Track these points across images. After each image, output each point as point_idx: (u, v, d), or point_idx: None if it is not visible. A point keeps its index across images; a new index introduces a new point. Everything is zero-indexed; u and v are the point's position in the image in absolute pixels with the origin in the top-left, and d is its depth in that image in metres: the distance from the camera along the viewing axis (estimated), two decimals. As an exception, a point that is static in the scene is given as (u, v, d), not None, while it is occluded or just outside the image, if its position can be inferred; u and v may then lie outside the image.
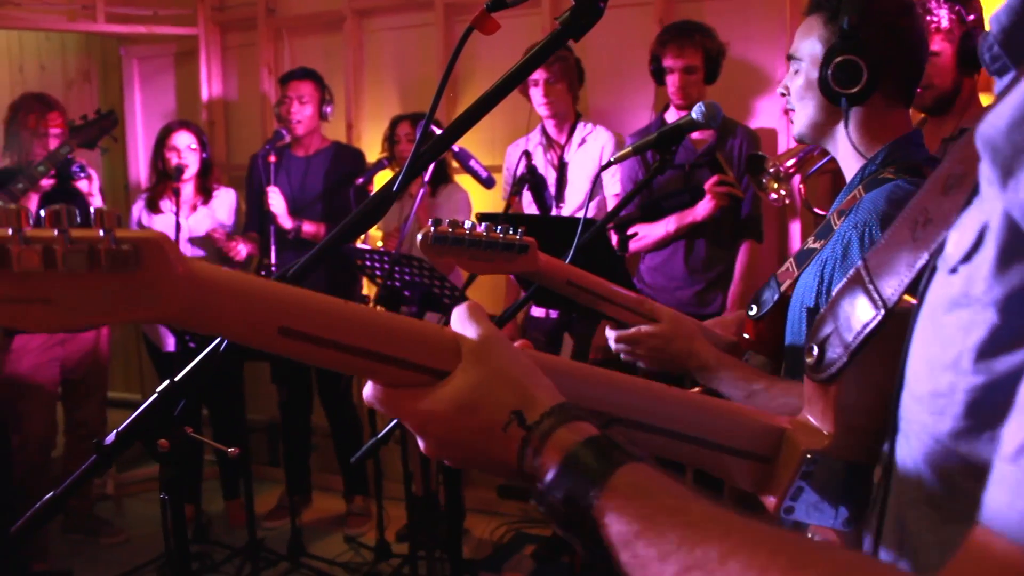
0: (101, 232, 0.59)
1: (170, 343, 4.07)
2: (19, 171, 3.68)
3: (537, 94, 3.61)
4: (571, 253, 1.80)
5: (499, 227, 1.55)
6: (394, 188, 1.03)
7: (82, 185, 3.83)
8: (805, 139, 1.64)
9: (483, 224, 1.54)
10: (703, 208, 3.32)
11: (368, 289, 4.02)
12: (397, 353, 0.69)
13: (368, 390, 0.72)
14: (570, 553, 3.80)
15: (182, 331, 3.42)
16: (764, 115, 3.90)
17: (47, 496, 1.21)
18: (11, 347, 3.98)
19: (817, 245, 1.54)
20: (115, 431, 1.14)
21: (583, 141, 3.74)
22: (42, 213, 0.60)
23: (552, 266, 1.65)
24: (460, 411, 0.68)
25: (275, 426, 4.43)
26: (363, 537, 4.20)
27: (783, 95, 1.63)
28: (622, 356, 1.70)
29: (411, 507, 3.76)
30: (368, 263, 3.33)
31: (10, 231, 0.58)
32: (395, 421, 2.24)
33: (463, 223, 1.53)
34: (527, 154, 3.13)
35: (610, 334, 1.70)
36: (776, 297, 1.57)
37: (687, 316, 1.70)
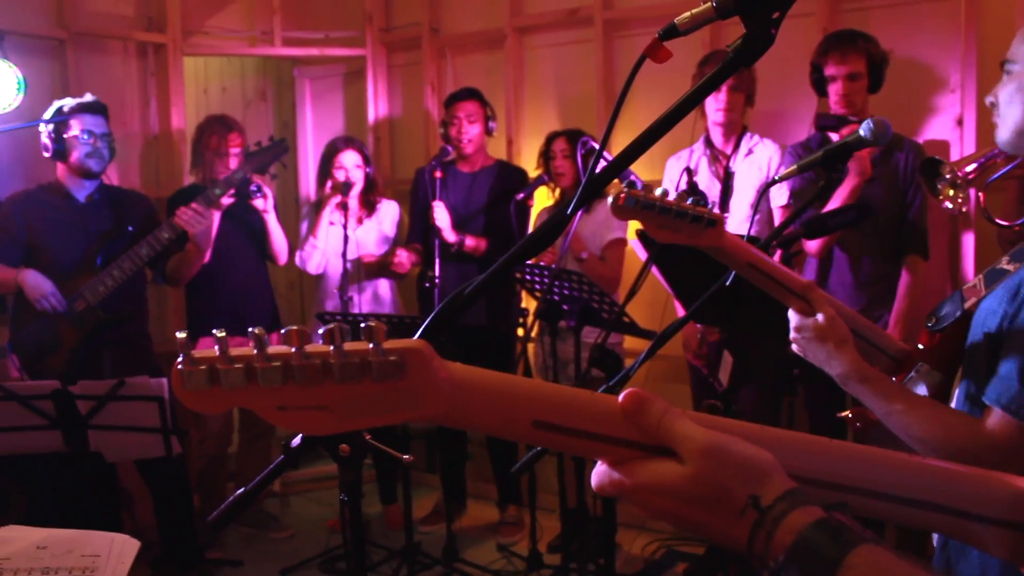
0: (371, 345, 0.66)
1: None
2: (201, 190, 3.93)
3: (718, 100, 3.56)
4: (733, 272, 1.79)
5: (690, 198, 1.56)
6: (568, 211, 1.05)
7: (258, 203, 4.07)
8: (1008, 147, 1.55)
9: (675, 194, 1.56)
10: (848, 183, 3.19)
11: (527, 302, 4.08)
12: (627, 435, 0.73)
13: (599, 471, 0.76)
14: (724, 573, 3.75)
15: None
16: (935, 126, 3.74)
17: (240, 491, 1.31)
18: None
19: (1011, 267, 1.47)
20: (300, 435, 1.22)
21: (749, 151, 3.68)
22: (320, 331, 0.67)
23: (736, 245, 1.64)
24: (697, 496, 0.72)
25: (433, 434, 4.55)
26: (515, 546, 4.26)
27: (992, 104, 1.56)
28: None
29: (564, 519, 3.80)
30: (528, 277, 3.39)
31: (293, 349, 0.66)
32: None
33: (654, 189, 1.55)
34: (688, 171, 3.12)
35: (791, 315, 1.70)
36: (958, 313, 1.52)
37: (847, 315, 1.68)
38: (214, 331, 0.66)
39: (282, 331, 0.66)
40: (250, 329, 0.66)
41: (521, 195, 3.95)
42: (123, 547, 1.62)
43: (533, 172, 4.22)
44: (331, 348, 0.66)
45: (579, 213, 3.28)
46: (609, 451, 0.73)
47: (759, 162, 3.66)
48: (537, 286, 3.43)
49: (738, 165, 3.68)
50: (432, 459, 4.97)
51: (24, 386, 3.05)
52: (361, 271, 4.31)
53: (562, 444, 0.73)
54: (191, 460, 4.27)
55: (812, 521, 0.69)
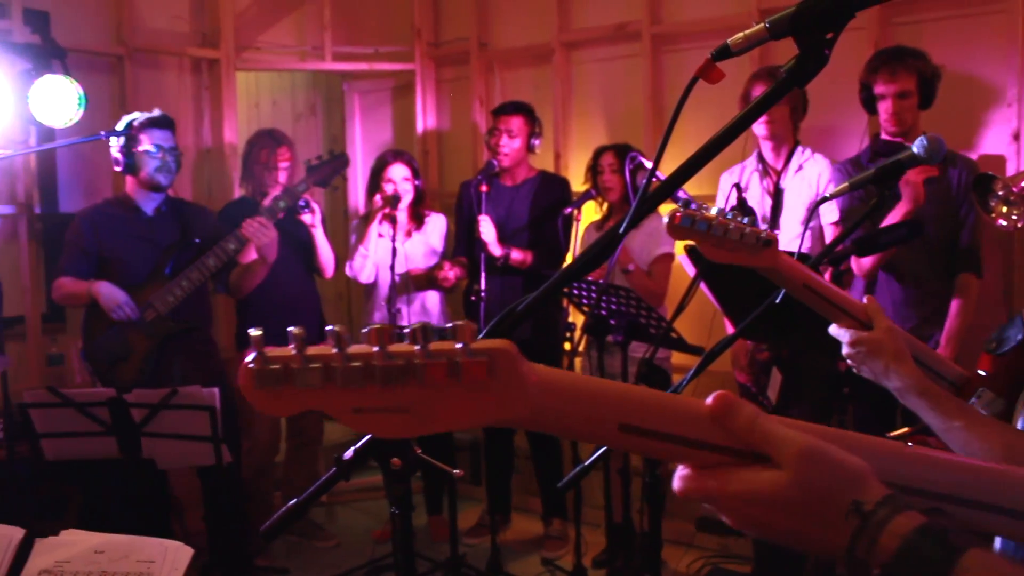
0: (458, 345, 0.63)
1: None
2: (254, 202, 3.99)
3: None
4: (781, 291, 1.78)
5: (745, 218, 1.56)
6: (621, 230, 1.06)
7: (306, 218, 4.12)
8: None
9: (730, 212, 1.55)
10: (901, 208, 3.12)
11: (573, 316, 4.09)
12: (714, 440, 0.72)
13: (684, 476, 0.74)
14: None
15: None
16: (990, 141, 3.69)
17: (292, 502, 1.33)
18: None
19: None
20: (353, 448, 1.24)
21: (800, 167, 3.65)
22: (406, 330, 0.64)
23: (791, 266, 1.62)
24: (794, 501, 0.71)
25: (478, 446, 4.57)
26: (560, 560, 4.25)
27: None
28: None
29: (610, 534, 3.79)
30: (576, 292, 3.39)
31: (375, 348, 0.63)
32: (602, 450, 2.28)
33: (709, 208, 1.54)
34: (738, 187, 3.11)
35: (836, 331, 1.68)
36: (1020, 337, 1.49)
37: (903, 335, 1.65)
38: (290, 329, 0.63)
39: (364, 330, 0.63)
40: (328, 328, 0.63)
41: (569, 209, 3.96)
42: (177, 554, 1.66)
43: (580, 186, 4.23)
44: (416, 348, 0.63)
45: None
46: (695, 455, 0.72)
47: (809, 178, 3.62)
48: (584, 301, 3.43)
49: (788, 181, 3.65)
50: (477, 472, 4.98)
51: (81, 393, 3.12)
52: (410, 284, 4.35)
53: (647, 448, 0.71)
54: (241, 468, 4.32)
55: (916, 526, 0.68)
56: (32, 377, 4.13)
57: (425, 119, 5.26)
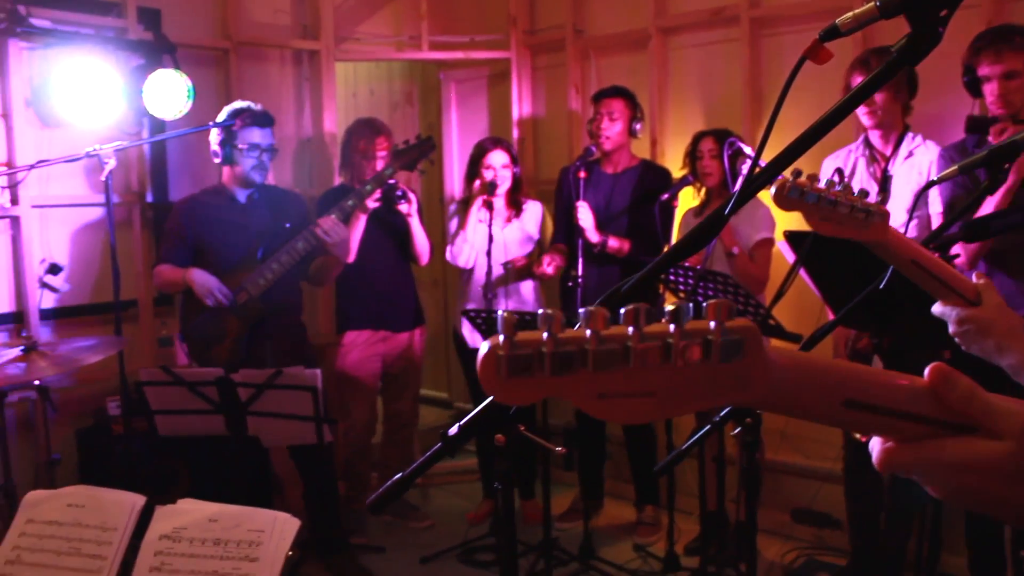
0: (712, 323, 0.61)
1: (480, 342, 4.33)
2: (350, 190, 4.10)
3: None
4: (887, 275, 1.75)
5: (856, 190, 1.53)
6: (726, 211, 1.07)
7: (402, 207, 4.20)
8: None
9: (840, 184, 1.52)
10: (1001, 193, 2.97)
11: (670, 303, 4.06)
12: (928, 412, 0.72)
13: (887, 449, 0.74)
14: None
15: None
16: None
17: (397, 476, 1.37)
18: (342, 342, 4.44)
19: None
20: (458, 424, 1.27)
21: (910, 154, 3.53)
22: (667, 308, 0.61)
23: (900, 241, 1.58)
24: (1016, 471, 0.72)
25: (571, 432, 4.59)
26: (652, 547, 4.25)
27: None
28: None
29: (704, 522, 3.77)
30: (672, 277, 3.37)
31: (631, 330, 0.60)
32: (698, 435, 2.28)
33: (819, 179, 1.52)
34: (840, 172, 3.04)
35: (941, 310, 1.63)
36: None
37: (1015, 315, 1.61)
38: (541, 311, 0.60)
39: (622, 311, 0.60)
40: (583, 309, 0.59)
41: (666, 195, 3.93)
42: (285, 525, 1.73)
43: (677, 173, 4.20)
44: (671, 328, 0.60)
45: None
46: (907, 428, 0.72)
47: (919, 165, 3.49)
48: (681, 287, 3.41)
49: (897, 168, 3.53)
50: (570, 457, 5.00)
51: (192, 373, 3.26)
52: (510, 275, 4.39)
53: (867, 423, 0.71)
54: (337, 449, 4.44)
55: None
56: (145, 358, 4.32)
57: (521, 107, 5.29)
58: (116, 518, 1.78)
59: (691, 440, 2.30)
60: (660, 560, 4.01)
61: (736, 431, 2.36)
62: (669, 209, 4.05)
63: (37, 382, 3.24)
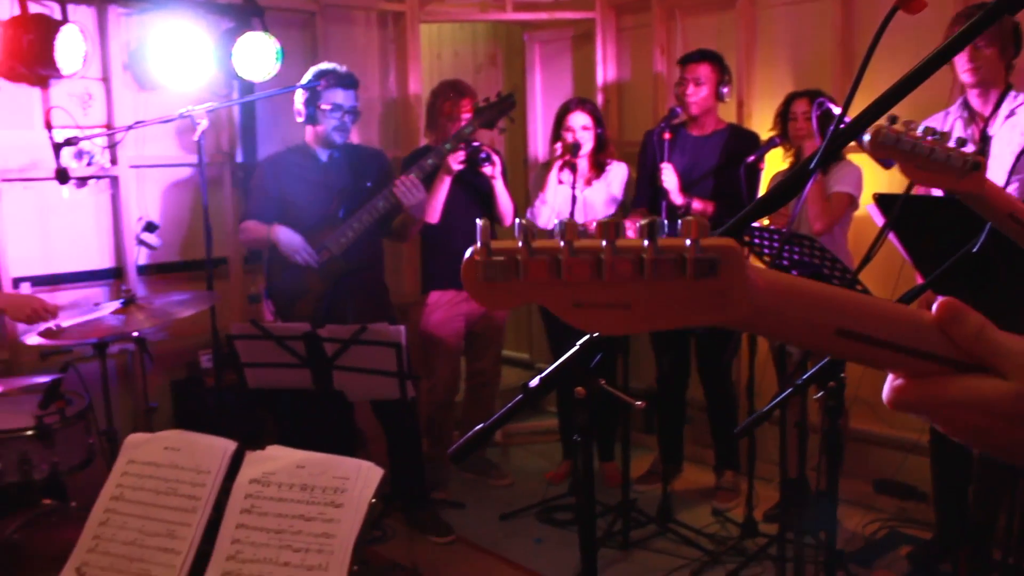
0: (687, 241, 0.62)
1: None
2: (432, 149, 4.13)
3: (962, 60, 3.29)
4: (982, 237, 1.70)
5: (953, 140, 1.48)
6: (811, 165, 1.05)
7: (487, 170, 4.22)
8: None
9: (936, 134, 1.48)
10: None
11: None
12: (934, 348, 0.70)
13: (896, 387, 0.73)
14: (952, 562, 3.57)
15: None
16: None
17: (479, 426, 1.40)
18: (426, 302, 4.51)
19: None
20: (539, 376, 1.29)
21: (1011, 113, 3.36)
22: (638, 224, 0.63)
23: (997, 194, 1.53)
24: (1021, 413, 0.70)
25: (652, 395, 4.58)
26: (730, 512, 4.24)
27: None
28: None
29: (784, 489, 3.73)
30: (756, 240, 3.33)
31: (603, 242, 0.62)
32: (780, 397, 2.26)
33: (916, 127, 1.47)
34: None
35: None
36: None
37: None
38: (518, 220, 0.63)
39: (594, 223, 0.63)
40: (558, 221, 0.62)
41: (752, 157, 3.86)
42: (369, 473, 1.78)
43: (764, 136, 4.12)
44: (645, 243, 0.62)
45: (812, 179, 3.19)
46: (911, 364, 0.70)
47: (1021, 125, 3.33)
48: (766, 251, 3.36)
49: (997, 128, 3.37)
50: (650, 420, 5.01)
51: (280, 327, 3.36)
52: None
53: (863, 355, 0.70)
54: (420, 406, 4.53)
55: None
56: (235, 314, 4.45)
57: (605, 68, 5.24)
58: (209, 461, 1.86)
59: (773, 403, 2.28)
60: (738, 525, 4.00)
61: (819, 395, 2.33)
62: (755, 172, 3.98)
63: (135, 334, 3.38)
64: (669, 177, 4.08)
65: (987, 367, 0.70)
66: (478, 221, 0.63)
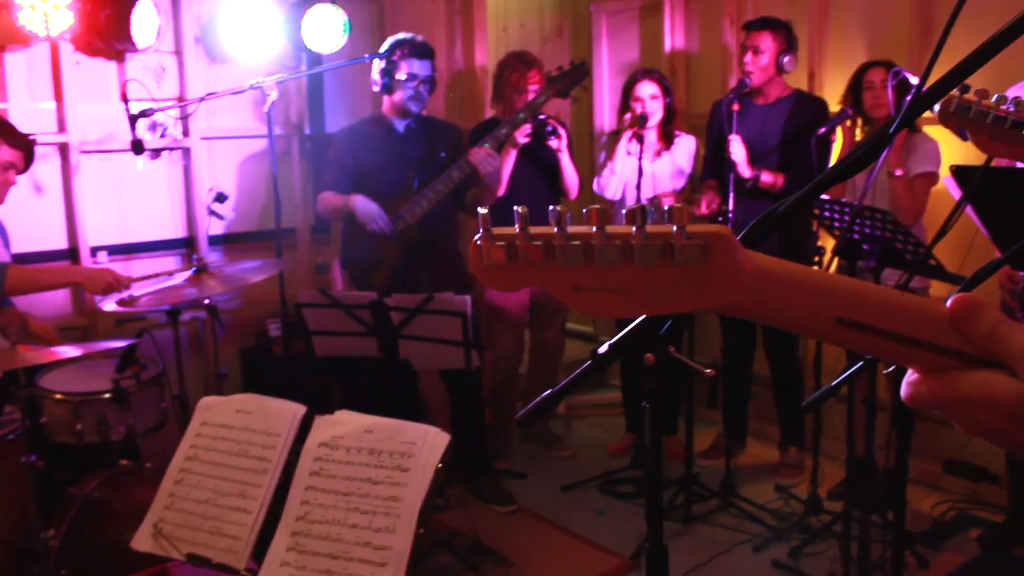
0: (674, 228, 0.64)
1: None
2: (501, 121, 4.13)
3: None
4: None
5: None
6: (891, 130, 1.03)
7: (553, 143, 4.21)
8: None
9: (1011, 102, 1.43)
10: None
11: (824, 240, 3.94)
12: (945, 342, 0.69)
13: (912, 381, 0.72)
14: (1024, 546, 3.49)
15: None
16: None
17: (547, 392, 1.40)
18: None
19: None
20: (608, 342, 1.29)
21: None
22: (623, 211, 0.66)
23: None
24: None
25: (717, 369, 4.55)
26: (794, 489, 4.20)
27: None
28: None
29: (850, 467, 3.69)
30: (827, 213, 3.27)
31: (594, 228, 0.65)
32: (848, 372, 2.23)
33: (991, 96, 1.43)
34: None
35: None
36: None
37: None
38: (515, 208, 0.66)
39: (584, 210, 0.65)
40: (551, 208, 0.65)
41: (823, 129, 3.78)
42: (436, 439, 1.80)
43: (836, 107, 4.03)
44: (633, 229, 0.64)
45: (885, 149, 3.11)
46: (921, 357, 0.70)
47: (1114, 92, 3.22)
48: (836, 223, 3.30)
49: (1087, 95, 3.26)
50: (715, 395, 4.97)
51: (347, 296, 3.40)
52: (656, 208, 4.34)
53: (867, 345, 0.69)
54: (484, 377, 4.55)
55: None
56: (303, 283, 4.53)
57: (673, 39, 5.17)
58: (280, 425, 1.90)
59: (842, 377, 2.24)
60: (802, 502, 3.96)
61: (889, 370, 2.28)
62: (826, 144, 3.89)
63: (207, 301, 3.45)
64: (737, 149, 4.02)
65: (998, 364, 0.68)
66: (480, 210, 0.67)
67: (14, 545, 2.70)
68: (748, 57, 4.08)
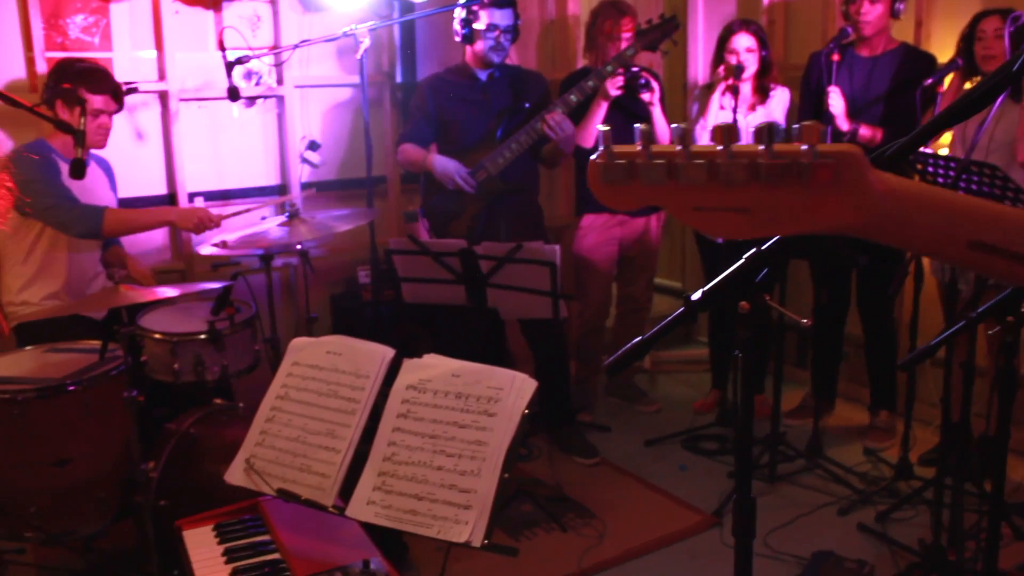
0: (804, 146, 0.62)
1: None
2: (592, 71, 4.07)
3: None
4: None
5: None
6: (1014, 68, 0.97)
7: (645, 96, 4.13)
8: None
9: None
10: None
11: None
12: None
13: None
14: None
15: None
16: None
17: (637, 339, 1.38)
18: (580, 225, 4.50)
19: None
20: (701, 289, 1.26)
21: None
22: (751, 129, 0.63)
23: None
24: None
25: (807, 330, 4.46)
26: (884, 452, 4.10)
27: None
28: None
29: (944, 433, 3.58)
30: (931, 168, 3.14)
31: (719, 147, 0.63)
32: (950, 331, 2.15)
33: None
34: None
35: None
36: None
37: None
38: (637, 125, 0.65)
39: (711, 128, 0.64)
40: (636, 126, 0.63)
41: (930, 80, 3.61)
42: (523, 384, 1.80)
43: (943, 59, 3.85)
44: (760, 148, 0.62)
45: (999, 99, 2.94)
46: None
47: None
48: (940, 180, 3.16)
49: None
50: (804, 355, 4.87)
51: (437, 243, 3.42)
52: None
53: (999, 270, 0.66)
54: (570, 329, 4.55)
55: None
56: (392, 231, 4.58)
57: (772, -13, 5.00)
58: (369, 366, 1.93)
59: (942, 336, 2.17)
60: (892, 466, 3.86)
61: (994, 330, 2.19)
62: (933, 96, 3.72)
63: (299, 246, 3.52)
64: (836, 101, 3.87)
65: None
66: (600, 127, 0.64)
67: (119, 476, 2.82)
68: (864, 7, 3.89)
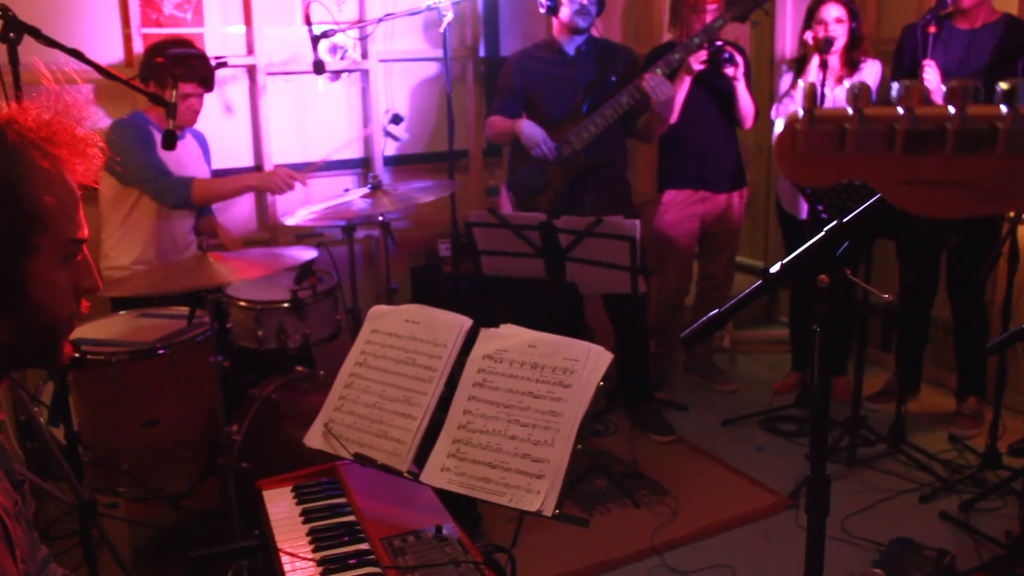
0: None
1: (803, 211, 4.14)
2: (677, 45, 4.01)
3: None
4: None
5: None
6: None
7: (729, 71, 4.06)
8: None
9: None
10: None
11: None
12: None
13: None
14: None
15: (815, 200, 3.49)
16: None
17: (713, 312, 1.38)
18: (661, 200, 4.45)
19: None
20: (780, 262, 1.25)
21: None
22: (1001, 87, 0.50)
23: None
24: None
25: (892, 310, 4.34)
26: (970, 441, 3.99)
27: None
28: None
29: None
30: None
31: (952, 109, 0.51)
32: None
33: None
34: None
35: None
36: None
37: None
38: (848, 82, 0.53)
39: (944, 87, 0.50)
40: (897, 83, 0.50)
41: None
42: (599, 356, 1.80)
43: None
44: (1004, 109, 0.51)
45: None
46: None
47: None
48: None
49: None
50: (888, 338, 4.75)
51: (516, 216, 3.43)
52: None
53: None
54: (650, 306, 4.52)
55: None
56: (473, 205, 4.60)
57: (866, -41, 4.84)
58: (446, 336, 1.95)
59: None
60: (978, 455, 3.75)
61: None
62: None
63: (381, 217, 3.57)
64: (932, 75, 3.73)
65: None
66: (801, 82, 0.54)
67: (204, 438, 2.92)
68: None
